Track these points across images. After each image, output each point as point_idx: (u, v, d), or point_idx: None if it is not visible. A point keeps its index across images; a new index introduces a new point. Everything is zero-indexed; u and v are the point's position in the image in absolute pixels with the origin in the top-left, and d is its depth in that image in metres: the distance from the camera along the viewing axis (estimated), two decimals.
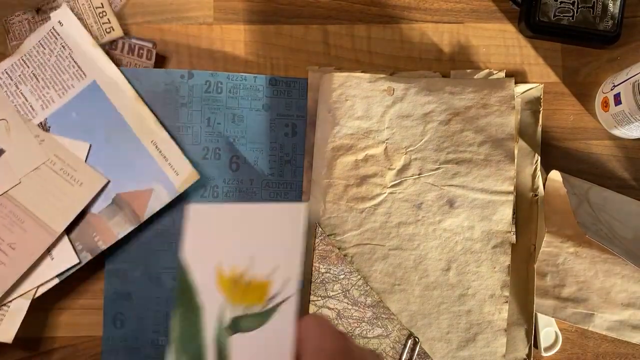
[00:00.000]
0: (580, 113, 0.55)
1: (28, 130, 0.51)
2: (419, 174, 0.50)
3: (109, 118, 0.52)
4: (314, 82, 0.53)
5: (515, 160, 0.52)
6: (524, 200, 0.53)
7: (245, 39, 0.54)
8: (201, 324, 0.48)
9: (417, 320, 0.49)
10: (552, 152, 0.54)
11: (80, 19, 0.52)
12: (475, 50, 0.55)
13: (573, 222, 0.49)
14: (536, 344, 0.52)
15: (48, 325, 0.52)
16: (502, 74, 0.54)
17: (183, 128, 0.53)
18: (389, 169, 0.50)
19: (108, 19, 0.52)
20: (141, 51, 0.53)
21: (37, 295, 0.50)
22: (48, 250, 0.50)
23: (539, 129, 0.53)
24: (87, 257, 0.51)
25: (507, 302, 0.50)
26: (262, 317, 0.46)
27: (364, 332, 0.49)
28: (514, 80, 0.52)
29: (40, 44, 0.52)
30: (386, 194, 0.50)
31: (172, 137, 0.52)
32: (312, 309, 0.48)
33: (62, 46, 0.52)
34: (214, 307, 0.47)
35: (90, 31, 0.52)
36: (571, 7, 0.53)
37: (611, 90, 0.52)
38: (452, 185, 0.50)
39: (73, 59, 0.52)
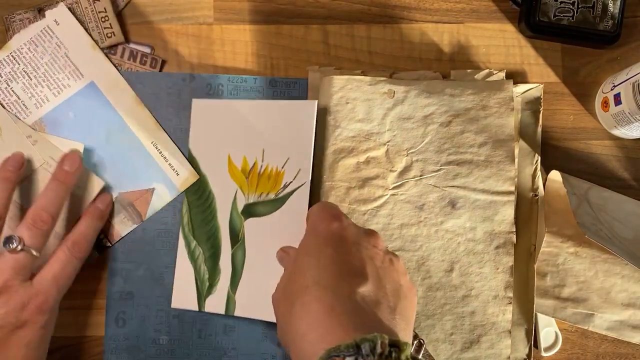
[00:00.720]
0: (580, 113, 0.55)
1: (19, 131, 0.51)
2: (420, 176, 0.50)
3: (109, 119, 0.52)
4: (314, 83, 0.53)
5: (516, 160, 0.52)
6: (524, 200, 0.53)
7: (245, 39, 0.54)
8: (215, 209, 0.52)
9: (420, 322, 0.50)
10: (552, 152, 0.55)
11: (81, 22, 0.52)
12: (475, 50, 0.55)
13: (573, 222, 0.49)
14: (536, 344, 0.52)
15: None
16: (502, 74, 0.54)
17: (185, 130, 0.53)
18: (391, 170, 0.50)
19: (110, 24, 0.52)
20: (144, 59, 0.53)
21: None
22: None
23: (539, 129, 0.54)
24: (94, 254, 0.52)
25: (510, 303, 0.50)
26: (277, 203, 0.51)
27: None
28: (512, 82, 0.52)
29: (33, 41, 0.52)
30: (388, 196, 0.50)
31: (172, 139, 0.53)
32: None
33: (57, 45, 0.52)
34: (227, 194, 0.51)
35: (90, 35, 0.52)
36: (571, 7, 0.53)
37: (611, 90, 0.52)
38: (453, 186, 0.50)
39: (69, 59, 0.52)
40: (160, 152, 0.52)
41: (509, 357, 0.50)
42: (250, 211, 0.51)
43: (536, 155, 0.53)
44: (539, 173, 0.53)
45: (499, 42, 0.55)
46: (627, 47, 0.55)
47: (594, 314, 0.51)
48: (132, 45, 0.53)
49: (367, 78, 0.51)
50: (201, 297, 0.51)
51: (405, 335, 0.36)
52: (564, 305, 0.52)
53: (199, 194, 0.52)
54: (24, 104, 0.52)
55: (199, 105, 0.53)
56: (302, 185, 0.50)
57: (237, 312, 0.51)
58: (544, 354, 0.52)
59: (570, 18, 0.53)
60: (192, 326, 0.52)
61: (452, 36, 0.55)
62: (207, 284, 0.51)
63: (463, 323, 0.50)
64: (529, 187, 0.53)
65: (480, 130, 0.51)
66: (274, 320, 0.43)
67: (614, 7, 0.52)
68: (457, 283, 0.50)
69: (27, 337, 0.43)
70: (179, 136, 0.53)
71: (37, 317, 0.44)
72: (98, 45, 0.52)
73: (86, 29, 0.52)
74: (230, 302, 0.51)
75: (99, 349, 0.52)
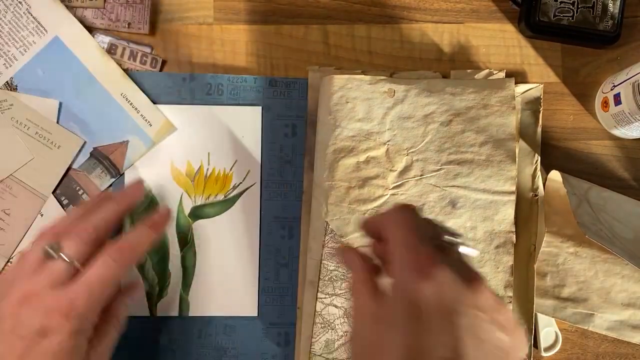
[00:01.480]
0: (580, 113, 0.55)
1: None
2: (420, 175, 0.50)
3: (76, 73, 0.52)
4: (314, 82, 0.53)
5: (517, 160, 0.52)
6: (523, 200, 0.53)
7: (245, 39, 0.54)
8: None
9: None
10: (552, 152, 0.55)
11: None
12: (475, 50, 0.55)
13: (573, 222, 0.49)
14: (536, 344, 0.52)
15: None
16: (502, 74, 0.54)
17: None
18: (391, 170, 0.50)
19: None
20: (144, 59, 0.53)
21: None
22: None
23: (539, 129, 0.54)
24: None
25: (510, 302, 0.50)
26: (227, 204, 0.53)
27: None
28: (514, 81, 0.52)
29: None
30: (388, 196, 0.50)
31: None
32: (319, 306, 0.48)
33: (19, 2, 0.51)
34: (171, 199, 0.52)
35: None
36: (571, 7, 0.53)
37: (611, 90, 0.52)
38: (454, 186, 0.50)
39: (32, 15, 0.51)
40: (131, 104, 0.52)
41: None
42: (198, 213, 0.52)
43: (536, 155, 0.53)
44: (538, 173, 0.53)
45: (499, 42, 0.55)
46: (627, 47, 0.55)
47: (593, 314, 0.51)
48: (132, 45, 0.53)
49: (367, 77, 0.51)
50: (152, 303, 0.52)
51: None
52: (564, 305, 0.51)
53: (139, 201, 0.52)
54: None
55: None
56: (252, 185, 0.52)
57: (192, 312, 0.52)
58: (544, 354, 0.52)
59: (570, 18, 0.53)
60: (192, 326, 0.52)
61: (452, 36, 0.55)
62: (157, 288, 0.52)
63: None
64: (528, 187, 0.53)
65: (481, 129, 0.51)
66: (230, 314, 0.50)
67: (614, 7, 0.53)
68: None
69: (52, 346, 0.39)
70: None
71: (63, 324, 0.39)
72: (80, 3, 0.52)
73: None
74: (183, 303, 0.52)
75: None
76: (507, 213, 0.50)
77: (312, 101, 0.53)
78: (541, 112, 0.54)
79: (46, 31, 0.52)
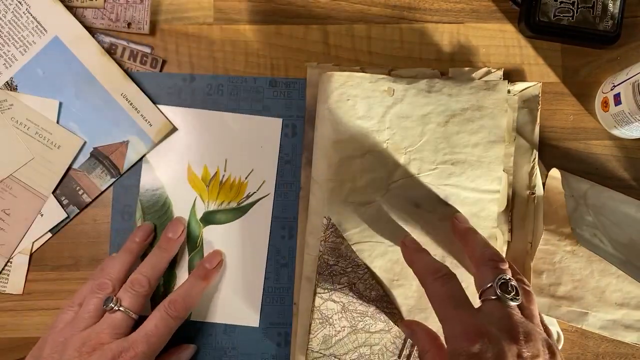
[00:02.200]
0: (580, 113, 0.55)
1: None
2: (417, 174, 0.50)
3: (76, 73, 0.52)
4: (312, 79, 0.53)
5: (512, 158, 0.52)
6: (520, 198, 0.53)
7: (245, 39, 0.54)
8: (172, 216, 0.53)
9: (414, 315, 0.50)
10: (552, 152, 0.55)
11: None
12: (475, 50, 0.55)
13: None
14: None
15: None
16: (500, 72, 0.54)
17: None
18: (389, 168, 0.50)
19: None
20: (144, 59, 0.53)
21: (33, 250, 0.52)
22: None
23: (537, 127, 0.54)
24: (75, 210, 0.53)
25: None
26: (238, 212, 0.53)
27: (367, 327, 0.49)
28: (507, 83, 0.52)
29: None
30: (386, 193, 0.50)
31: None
32: (317, 302, 0.48)
33: (19, 2, 0.51)
34: (185, 202, 0.52)
35: None
36: (571, 7, 0.53)
37: (611, 90, 0.52)
38: (447, 184, 0.51)
39: (31, 15, 0.52)
40: (131, 104, 0.52)
41: None
42: (209, 219, 0.52)
43: (533, 153, 0.53)
44: (535, 171, 0.53)
45: (499, 42, 0.55)
46: (627, 47, 0.55)
47: (587, 312, 0.51)
48: (132, 45, 0.53)
49: (368, 75, 0.51)
50: (155, 303, 0.52)
51: None
52: (559, 303, 0.52)
53: (154, 201, 0.52)
54: None
55: (163, 111, 0.53)
56: (266, 196, 0.52)
57: (193, 318, 0.52)
58: None
59: (570, 18, 0.53)
60: (193, 326, 0.52)
61: (452, 36, 0.55)
62: (162, 289, 0.52)
63: None
64: (525, 185, 0.53)
65: (475, 131, 0.51)
66: (230, 322, 0.50)
67: (614, 7, 0.52)
68: None
69: None
70: None
71: None
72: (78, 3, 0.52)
73: None
74: None
75: None
76: (492, 210, 0.51)
77: (310, 98, 0.53)
78: (539, 110, 0.54)
79: (46, 31, 0.52)
